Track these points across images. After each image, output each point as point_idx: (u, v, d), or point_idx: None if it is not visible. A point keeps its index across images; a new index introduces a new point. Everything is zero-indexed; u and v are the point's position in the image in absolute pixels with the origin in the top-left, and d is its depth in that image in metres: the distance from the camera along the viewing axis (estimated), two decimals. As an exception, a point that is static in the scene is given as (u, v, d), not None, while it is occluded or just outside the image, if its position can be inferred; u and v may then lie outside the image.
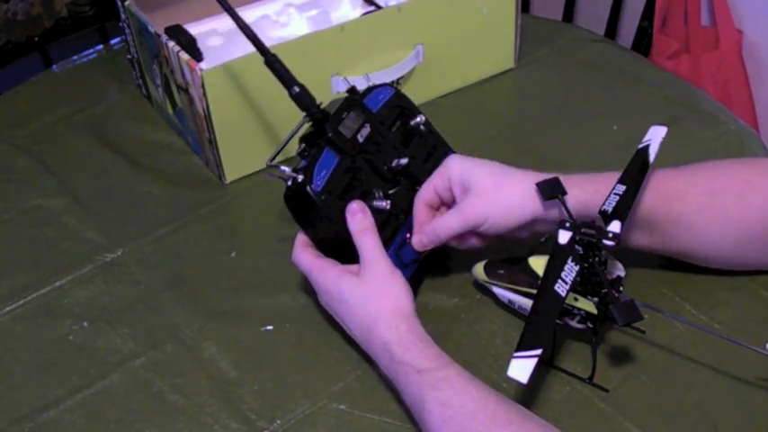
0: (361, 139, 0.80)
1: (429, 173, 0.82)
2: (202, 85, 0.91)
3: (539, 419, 0.66)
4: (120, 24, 1.09)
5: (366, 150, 0.80)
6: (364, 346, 0.75)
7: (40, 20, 1.23)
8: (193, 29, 1.04)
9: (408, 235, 0.81)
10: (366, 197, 0.79)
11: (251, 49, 0.94)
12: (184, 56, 0.93)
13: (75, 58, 1.22)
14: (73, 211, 0.96)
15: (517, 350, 0.64)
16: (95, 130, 1.08)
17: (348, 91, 0.84)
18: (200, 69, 0.91)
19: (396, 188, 0.82)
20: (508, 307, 0.79)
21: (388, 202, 0.79)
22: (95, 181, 1.01)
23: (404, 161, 0.81)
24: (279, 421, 0.74)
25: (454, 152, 0.87)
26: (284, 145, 0.81)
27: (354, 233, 0.76)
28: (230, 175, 0.99)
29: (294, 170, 0.77)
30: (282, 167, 0.77)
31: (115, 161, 1.03)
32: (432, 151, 0.86)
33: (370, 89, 0.86)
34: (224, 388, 0.77)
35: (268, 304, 0.84)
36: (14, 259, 0.91)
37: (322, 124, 0.79)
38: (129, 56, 1.12)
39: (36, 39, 1.25)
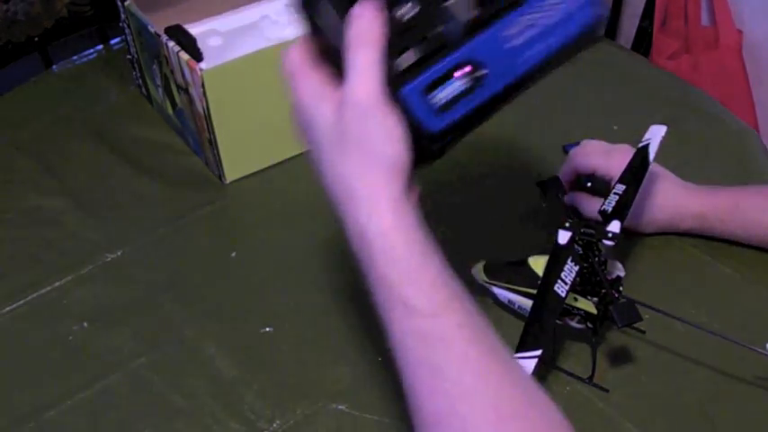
0: None
1: None
2: (202, 85, 0.91)
3: (546, 407, 0.53)
4: (120, 24, 1.09)
5: None
6: (339, 213, 0.56)
7: (39, 20, 1.23)
8: (193, 29, 1.04)
9: (460, 73, 0.55)
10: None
11: (251, 48, 0.94)
12: (184, 56, 0.93)
13: (75, 58, 1.22)
14: (73, 211, 0.96)
15: (517, 351, 0.64)
16: (95, 131, 1.08)
17: None
18: (201, 69, 0.91)
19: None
20: (508, 307, 0.79)
21: (417, 7, 0.55)
22: (95, 181, 1.01)
23: None
24: (278, 421, 0.74)
25: None
26: None
27: (348, 43, 0.54)
28: (230, 175, 0.99)
29: None
30: None
31: (115, 161, 1.03)
32: None
33: None
34: (224, 388, 0.77)
35: (268, 304, 0.84)
36: (14, 259, 0.91)
37: None
38: (129, 56, 1.12)
39: (36, 39, 1.25)
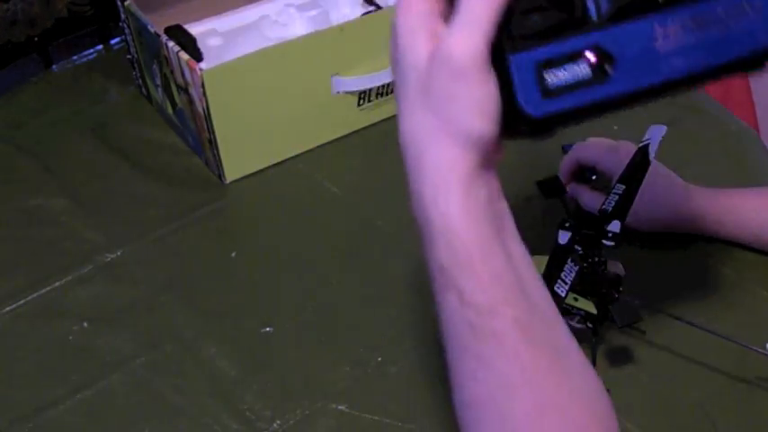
0: None
1: None
2: (202, 85, 0.91)
3: (593, 400, 0.51)
4: (120, 24, 1.09)
5: None
6: (406, 167, 0.49)
7: (39, 20, 1.23)
8: (193, 29, 1.04)
9: (586, 58, 0.46)
10: None
11: (251, 48, 0.94)
12: (184, 56, 0.93)
13: (74, 58, 1.22)
14: (73, 211, 0.96)
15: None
16: (95, 131, 1.08)
17: None
18: (200, 69, 0.91)
19: None
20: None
21: None
22: (95, 181, 1.01)
23: None
24: (278, 421, 0.74)
25: None
26: None
27: None
28: (230, 174, 0.99)
29: None
30: None
31: (115, 161, 1.03)
32: None
33: None
34: (223, 388, 0.77)
35: (268, 304, 0.84)
36: (14, 259, 0.91)
37: None
38: (128, 56, 1.12)
39: (36, 39, 1.25)
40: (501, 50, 0.45)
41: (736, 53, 0.47)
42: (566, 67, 0.46)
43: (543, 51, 0.45)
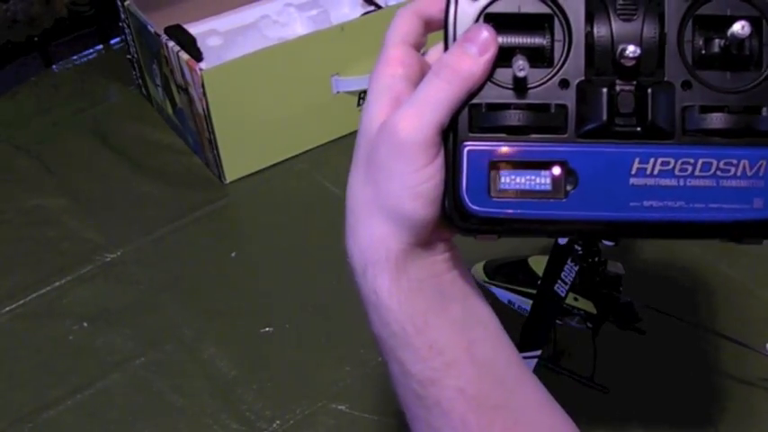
0: None
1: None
2: (202, 85, 0.91)
3: None
4: (120, 24, 1.09)
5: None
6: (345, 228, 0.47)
7: (39, 20, 1.23)
8: (193, 29, 1.04)
9: (549, 171, 0.43)
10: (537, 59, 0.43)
11: (250, 48, 0.94)
12: (184, 55, 0.93)
13: (74, 58, 1.22)
14: (73, 211, 0.96)
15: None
16: (95, 131, 1.08)
17: None
18: (200, 69, 0.91)
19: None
20: (508, 307, 0.79)
21: (555, 77, 0.43)
22: (95, 181, 1.01)
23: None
24: (278, 421, 0.74)
25: None
26: None
27: (435, 65, 0.43)
28: (230, 174, 0.99)
29: None
30: None
31: (115, 161, 1.03)
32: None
33: None
34: (223, 388, 0.77)
35: (268, 304, 0.84)
36: (14, 259, 0.91)
37: None
38: (128, 56, 1.12)
39: (36, 39, 1.25)
40: (456, 137, 0.42)
41: (717, 216, 0.42)
42: (524, 172, 0.42)
43: (504, 149, 0.42)
